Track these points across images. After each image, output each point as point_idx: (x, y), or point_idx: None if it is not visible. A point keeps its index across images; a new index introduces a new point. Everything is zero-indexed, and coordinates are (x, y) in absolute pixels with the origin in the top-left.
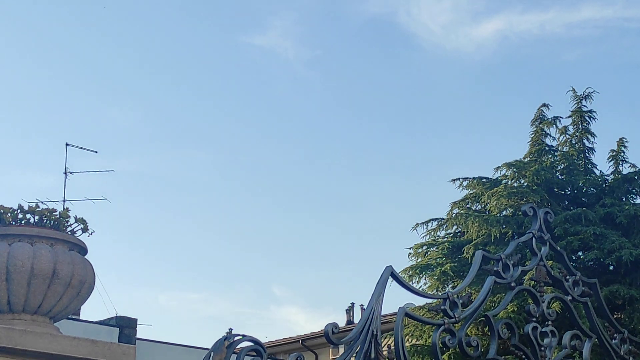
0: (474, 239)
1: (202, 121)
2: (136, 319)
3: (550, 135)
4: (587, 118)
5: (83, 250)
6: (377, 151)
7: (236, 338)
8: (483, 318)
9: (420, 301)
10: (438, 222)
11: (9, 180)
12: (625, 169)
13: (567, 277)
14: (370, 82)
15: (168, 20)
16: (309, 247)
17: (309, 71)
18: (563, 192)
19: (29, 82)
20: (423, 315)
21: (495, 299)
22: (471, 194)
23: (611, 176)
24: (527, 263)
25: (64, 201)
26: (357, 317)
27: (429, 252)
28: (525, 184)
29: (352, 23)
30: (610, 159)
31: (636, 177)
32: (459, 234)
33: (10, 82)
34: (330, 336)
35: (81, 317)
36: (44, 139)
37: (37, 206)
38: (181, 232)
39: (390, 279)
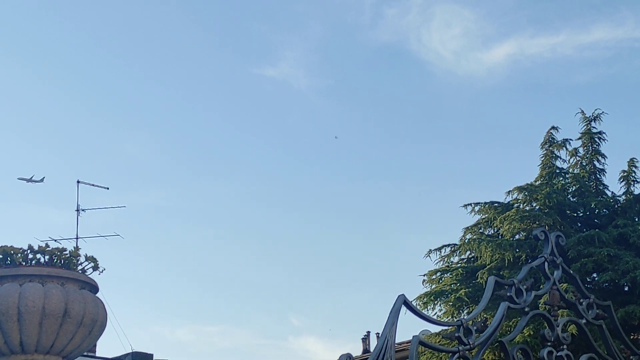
0: (488, 264)
1: (216, 154)
2: (152, 354)
3: (561, 158)
4: (596, 139)
5: (94, 288)
6: (390, 178)
7: None
8: (498, 344)
9: (436, 328)
10: (451, 247)
11: (25, 218)
12: (637, 189)
13: (581, 300)
14: (383, 109)
15: (180, 54)
16: (325, 276)
17: (322, 100)
18: (575, 214)
19: (42, 117)
20: (439, 342)
21: (511, 323)
22: (483, 218)
23: (623, 197)
24: (540, 287)
25: (76, 238)
26: (373, 346)
27: (443, 279)
28: (537, 207)
29: (363, 51)
30: (621, 180)
31: None
32: (472, 259)
33: (24, 118)
34: None
35: (97, 354)
36: (59, 175)
37: (47, 246)
38: (196, 265)
39: (404, 307)
